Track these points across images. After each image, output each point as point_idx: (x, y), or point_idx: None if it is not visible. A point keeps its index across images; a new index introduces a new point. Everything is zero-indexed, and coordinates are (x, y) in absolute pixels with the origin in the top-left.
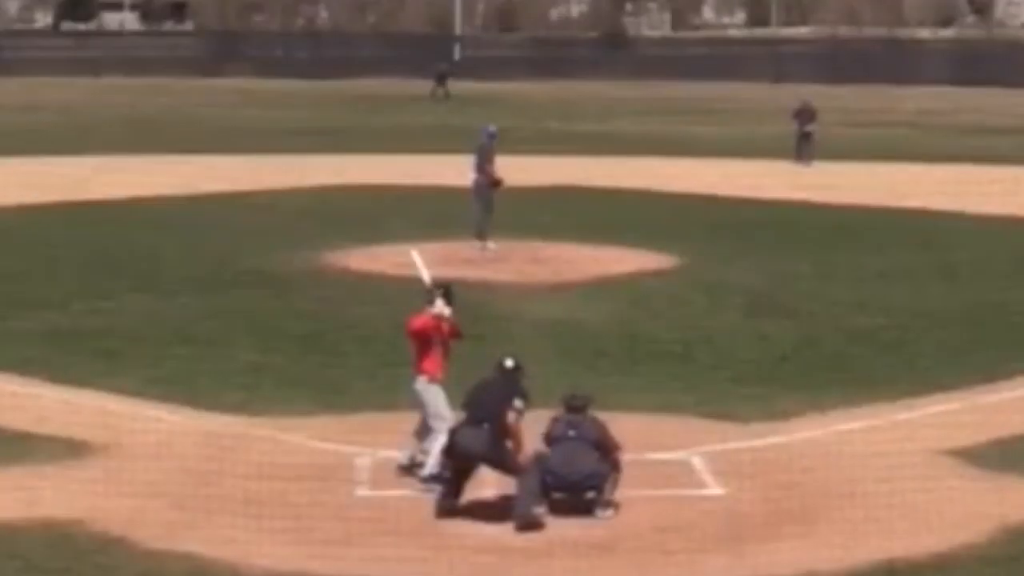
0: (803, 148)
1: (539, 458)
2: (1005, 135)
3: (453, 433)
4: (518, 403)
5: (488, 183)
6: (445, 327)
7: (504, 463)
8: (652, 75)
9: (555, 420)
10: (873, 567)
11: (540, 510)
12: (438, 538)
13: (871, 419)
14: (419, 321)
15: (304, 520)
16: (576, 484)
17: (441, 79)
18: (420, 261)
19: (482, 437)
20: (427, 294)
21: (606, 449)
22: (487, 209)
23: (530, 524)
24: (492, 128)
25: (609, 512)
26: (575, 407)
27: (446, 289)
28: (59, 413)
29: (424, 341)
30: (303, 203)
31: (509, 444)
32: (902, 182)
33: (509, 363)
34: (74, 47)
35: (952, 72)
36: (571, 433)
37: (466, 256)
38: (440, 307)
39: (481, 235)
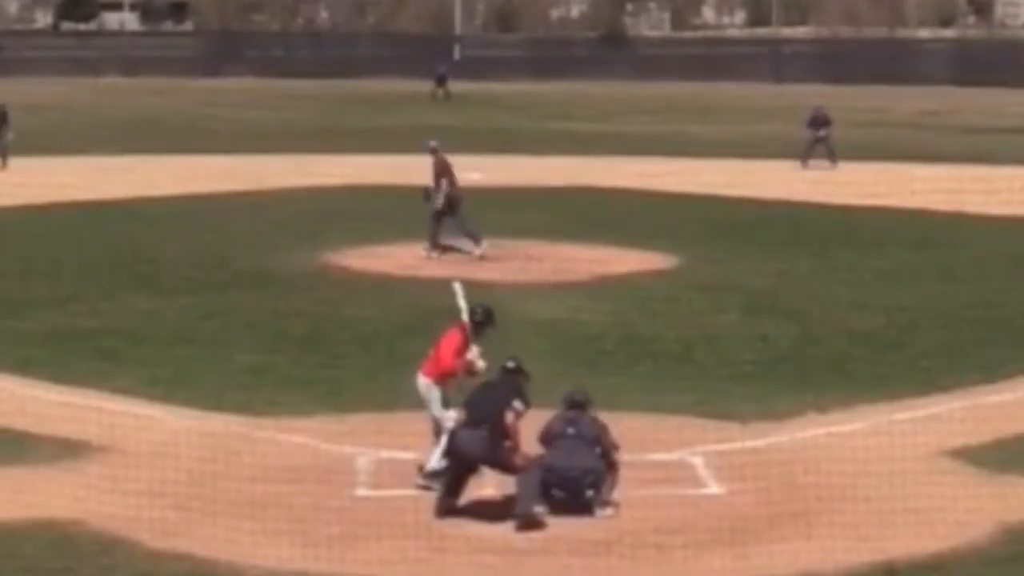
0: (814, 152)
1: (539, 458)
2: (1005, 135)
3: (452, 435)
4: (517, 404)
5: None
6: (460, 364)
7: (503, 463)
8: (652, 75)
9: (555, 418)
10: (873, 567)
11: (540, 509)
12: (438, 538)
13: (871, 419)
14: (452, 343)
15: (304, 521)
16: (575, 480)
17: (441, 80)
18: (460, 293)
19: (480, 439)
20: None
21: (604, 448)
22: (456, 217)
23: (530, 524)
24: (432, 143)
25: (608, 511)
26: (576, 403)
27: (487, 313)
28: (59, 413)
29: (443, 354)
30: (303, 203)
31: (508, 444)
32: (902, 182)
33: (510, 365)
34: (74, 47)
35: (952, 72)
36: (570, 431)
37: (466, 256)
38: (475, 356)
39: (473, 238)
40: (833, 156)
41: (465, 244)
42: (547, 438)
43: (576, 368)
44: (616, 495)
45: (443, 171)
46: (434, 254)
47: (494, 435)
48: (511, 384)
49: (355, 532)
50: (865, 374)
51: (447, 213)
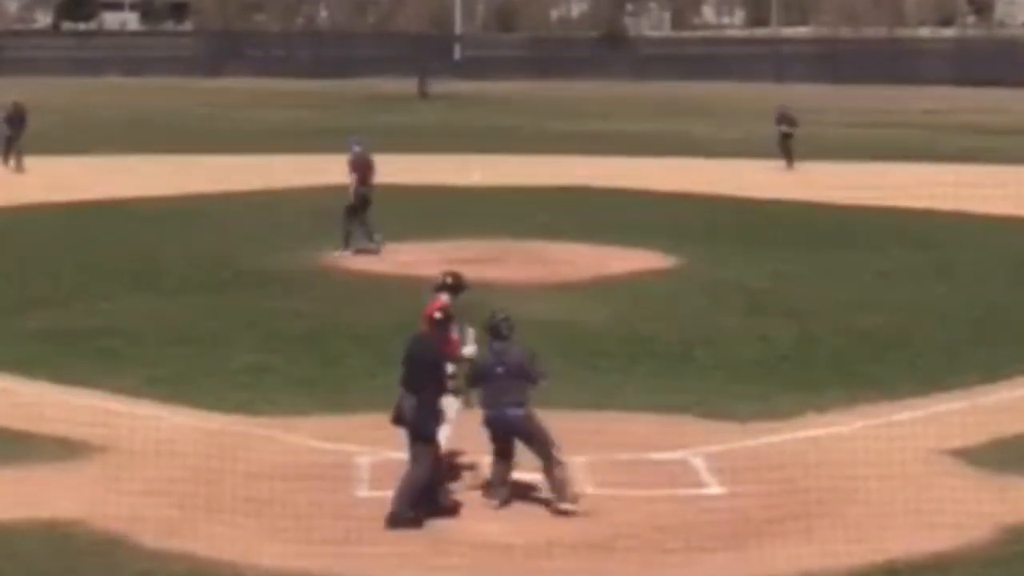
0: (785, 151)
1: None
2: (1005, 135)
3: (400, 400)
4: (451, 369)
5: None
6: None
7: (420, 436)
8: (652, 75)
9: (485, 353)
10: (873, 567)
11: (412, 513)
12: (438, 537)
13: (871, 419)
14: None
15: (305, 520)
16: (504, 419)
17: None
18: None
19: (411, 407)
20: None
21: (529, 376)
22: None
23: (399, 523)
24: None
25: (569, 506)
26: (498, 333)
27: (456, 277)
28: (59, 413)
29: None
30: (303, 203)
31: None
32: (902, 182)
33: (438, 315)
34: (74, 47)
35: (952, 72)
36: (499, 370)
37: (466, 256)
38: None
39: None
40: (791, 157)
41: (366, 242)
42: (477, 378)
43: (576, 368)
44: (577, 485)
45: (358, 168)
46: (347, 253)
47: (422, 404)
48: (435, 342)
49: (355, 531)
50: (865, 374)
51: (358, 210)
